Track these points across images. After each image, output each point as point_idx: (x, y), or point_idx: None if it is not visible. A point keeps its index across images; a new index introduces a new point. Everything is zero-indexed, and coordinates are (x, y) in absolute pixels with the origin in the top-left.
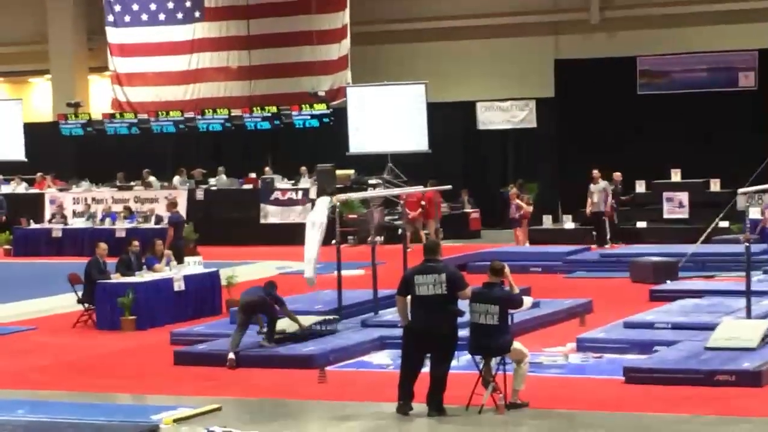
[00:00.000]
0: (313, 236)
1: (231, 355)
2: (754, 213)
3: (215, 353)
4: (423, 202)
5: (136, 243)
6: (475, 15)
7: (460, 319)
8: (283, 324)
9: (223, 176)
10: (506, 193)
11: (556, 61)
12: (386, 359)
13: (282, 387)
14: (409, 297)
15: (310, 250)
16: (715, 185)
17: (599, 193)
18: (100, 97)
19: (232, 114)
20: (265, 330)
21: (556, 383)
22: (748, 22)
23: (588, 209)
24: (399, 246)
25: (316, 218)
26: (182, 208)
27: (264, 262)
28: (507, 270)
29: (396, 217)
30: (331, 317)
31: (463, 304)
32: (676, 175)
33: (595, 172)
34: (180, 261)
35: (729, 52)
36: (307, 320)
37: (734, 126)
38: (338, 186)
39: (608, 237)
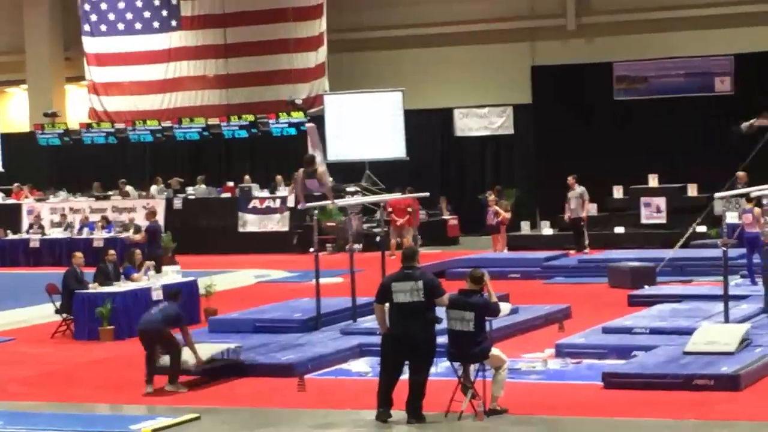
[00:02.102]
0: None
1: (148, 389)
2: (732, 217)
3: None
4: (410, 209)
5: (112, 252)
6: (451, 22)
7: (439, 326)
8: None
9: (203, 185)
10: (484, 200)
11: (533, 68)
12: (365, 367)
13: (261, 396)
14: (387, 304)
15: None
16: (692, 190)
17: (576, 199)
18: (77, 107)
19: (210, 123)
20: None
21: (535, 389)
22: (724, 27)
23: (566, 215)
24: (377, 253)
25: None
26: (160, 217)
27: (242, 270)
28: (487, 278)
29: (375, 224)
30: (234, 346)
31: (441, 311)
32: (653, 181)
33: (570, 179)
34: (158, 270)
35: (705, 57)
36: (208, 350)
37: (711, 131)
38: (316, 194)
39: (586, 242)
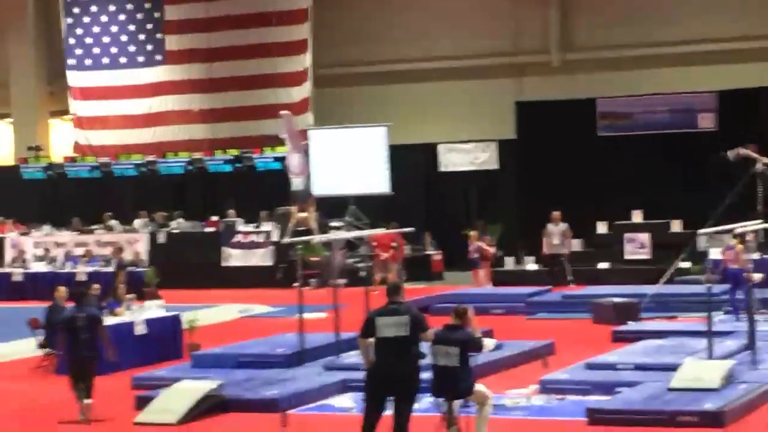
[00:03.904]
0: None
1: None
2: (715, 253)
3: None
4: (394, 244)
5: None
6: (436, 58)
7: (423, 362)
8: None
9: (181, 219)
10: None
11: (518, 103)
12: (349, 402)
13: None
14: (371, 339)
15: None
16: (676, 226)
17: (559, 234)
18: (61, 141)
19: (194, 157)
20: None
21: (520, 425)
22: (708, 64)
23: (546, 250)
24: (361, 288)
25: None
26: (144, 252)
27: (226, 305)
28: (471, 313)
29: (358, 259)
30: (215, 384)
31: (425, 346)
32: (637, 216)
33: (555, 213)
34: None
35: (689, 94)
36: (188, 392)
37: (694, 167)
38: (300, 229)
39: (570, 278)
